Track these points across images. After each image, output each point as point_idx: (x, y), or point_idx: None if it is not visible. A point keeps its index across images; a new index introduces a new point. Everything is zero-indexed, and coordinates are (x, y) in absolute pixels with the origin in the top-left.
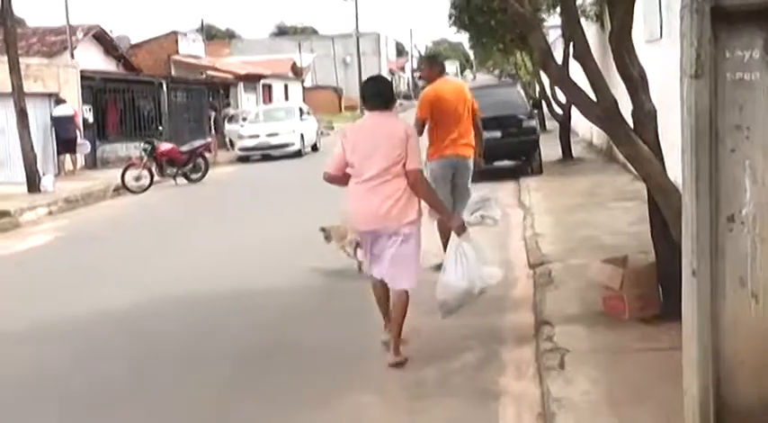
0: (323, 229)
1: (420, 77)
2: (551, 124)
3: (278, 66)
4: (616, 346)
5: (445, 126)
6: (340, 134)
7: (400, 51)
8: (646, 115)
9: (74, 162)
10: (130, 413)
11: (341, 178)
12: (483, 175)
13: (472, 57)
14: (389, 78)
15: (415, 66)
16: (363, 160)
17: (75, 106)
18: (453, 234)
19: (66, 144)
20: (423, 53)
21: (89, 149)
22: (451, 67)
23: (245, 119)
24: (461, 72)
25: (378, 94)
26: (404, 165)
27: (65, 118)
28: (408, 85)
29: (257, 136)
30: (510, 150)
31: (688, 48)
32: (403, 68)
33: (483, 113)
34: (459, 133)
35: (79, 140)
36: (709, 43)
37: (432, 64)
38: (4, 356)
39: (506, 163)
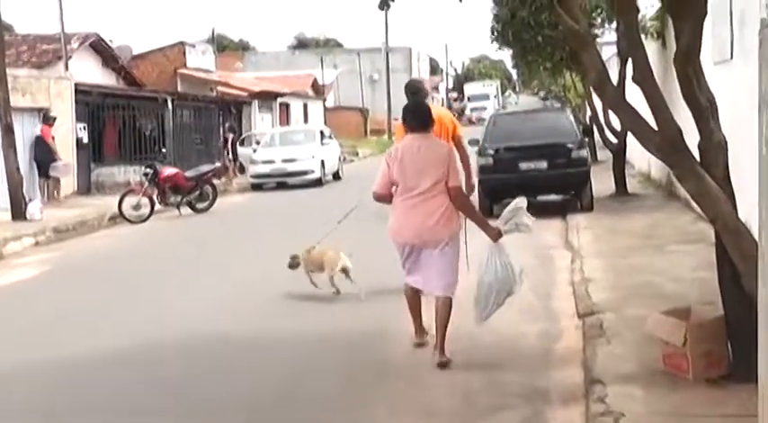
0: (293, 258)
1: (455, 99)
2: (603, 154)
3: (297, 82)
4: (678, 410)
5: None
6: (384, 156)
7: (434, 69)
8: (714, 147)
9: (56, 188)
10: None
11: (387, 196)
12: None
13: (515, 76)
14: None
15: (450, 85)
16: (409, 178)
17: (68, 123)
18: (489, 243)
19: (40, 166)
20: (458, 71)
21: (69, 173)
22: (490, 88)
23: (258, 142)
24: (502, 93)
25: (417, 117)
26: (446, 182)
27: (38, 137)
28: (443, 106)
29: (272, 161)
30: (557, 183)
31: None
32: (437, 88)
33: (528, 142)
34: None
35: (58, 162)
36: None
37: (411, 93)
38: None
39: (552, 197)
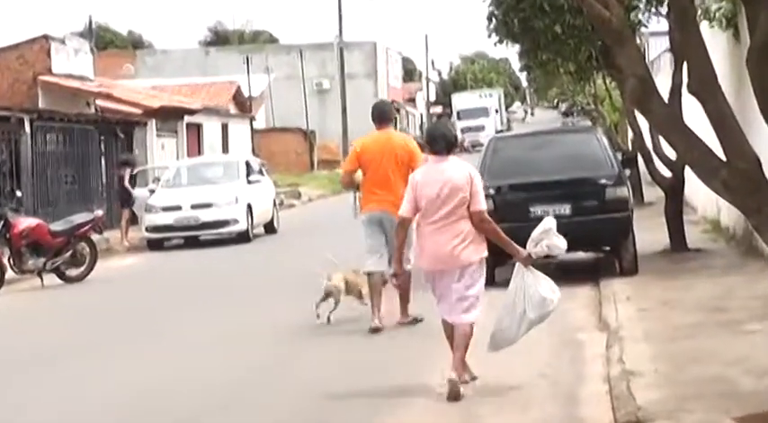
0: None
1: (440, 115)
2: (652, 193)
3: (213, 93)
4: None
5: (370, 181)
6: (409, 180)
7: (410, 73)
8: None
9: None
10: None
11: (409, 221)
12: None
13: (524, 82)
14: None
15: (432, 95)
16: (430, 202)
17: None
18: (517, 265)
19: None
20: (444, 76)
21: None
22: (489, 99)
23: (156, 180)
24: (507, 106)
25: (441, 138)
26: (468, 206)
27: None
28: (422, 125)
29: (177, 208)
30: (585, 236)
31: None
32: (413, 100)
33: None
34: (385, 190)
35: None
36: None
37: (374, 114)
38: None
39: (579, 256)
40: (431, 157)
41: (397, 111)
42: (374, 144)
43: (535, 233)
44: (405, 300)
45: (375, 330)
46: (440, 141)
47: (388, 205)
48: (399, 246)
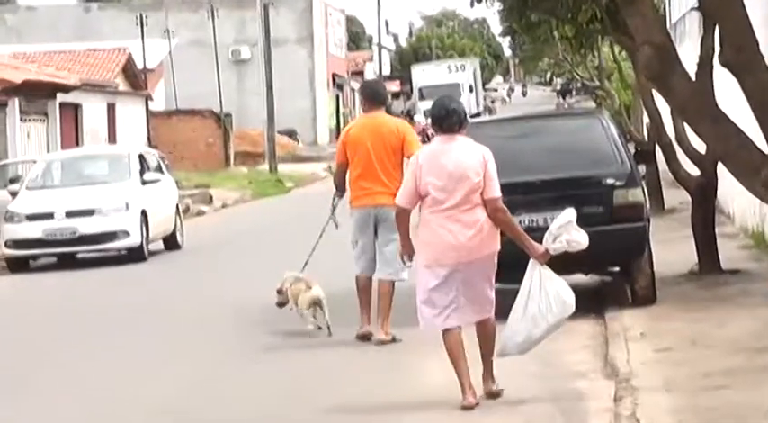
0: (279, 292)
1: (396, 95)
2: (674, 196)
3: (95, 64)
4: None
5: (358, 173)
6: (410, 163)
7: (356, 37)
8: None
9: None
10: None
11: (409, 213)
12: None
13: (508, 51)
14: (334, 91)
15: (387, 68)
16: (437, 189)
17: None
18: (531, 263)
19: None
20: (401, 43)
21: None
22: (461, 73)
23: (13, 180)
24: (485, 82)
25: (448, 114)
26: (482, 193)
27: None
28: None
29: (48, 216)
30: (587, 253)
31: None
32: (361, 73)
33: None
34: (376, 183)
35: None
36: None
37: (363, 94)
38: None
39: (579, 278)
40: (437, 137)
41: (340, 88)
42: (361, 130)
43: (553, 227)
44: (385, 314)
45: (363, 337)
46: (450, 117)
47: (382, 198)
48: (404, 236)
